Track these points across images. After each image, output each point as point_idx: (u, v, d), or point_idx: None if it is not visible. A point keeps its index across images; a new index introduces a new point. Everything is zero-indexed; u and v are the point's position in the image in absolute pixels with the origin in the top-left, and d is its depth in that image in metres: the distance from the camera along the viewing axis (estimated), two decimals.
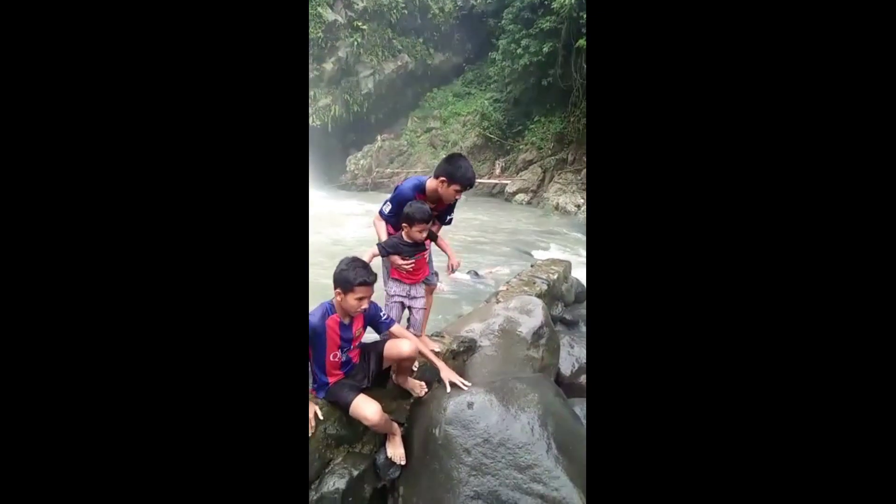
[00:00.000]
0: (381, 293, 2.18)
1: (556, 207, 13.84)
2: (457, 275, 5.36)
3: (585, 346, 3.09)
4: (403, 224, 2.27)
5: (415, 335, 2.38)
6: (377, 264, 2.27)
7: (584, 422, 2.15)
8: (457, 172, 2.27)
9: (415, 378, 2.24)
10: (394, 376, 2.18)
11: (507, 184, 16.17)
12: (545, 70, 15.26)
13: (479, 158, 17.26)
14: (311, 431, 1.81)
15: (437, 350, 2.38)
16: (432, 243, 2.46)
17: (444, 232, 2.58)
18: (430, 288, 2.59)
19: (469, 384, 2.08)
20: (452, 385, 2.06)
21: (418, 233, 2.25)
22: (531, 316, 2.79)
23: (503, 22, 16.52)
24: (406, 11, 19.09)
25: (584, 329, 3.72)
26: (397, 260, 2.31)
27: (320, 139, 18.51)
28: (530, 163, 16.39)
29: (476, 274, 6.02)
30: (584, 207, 12.89)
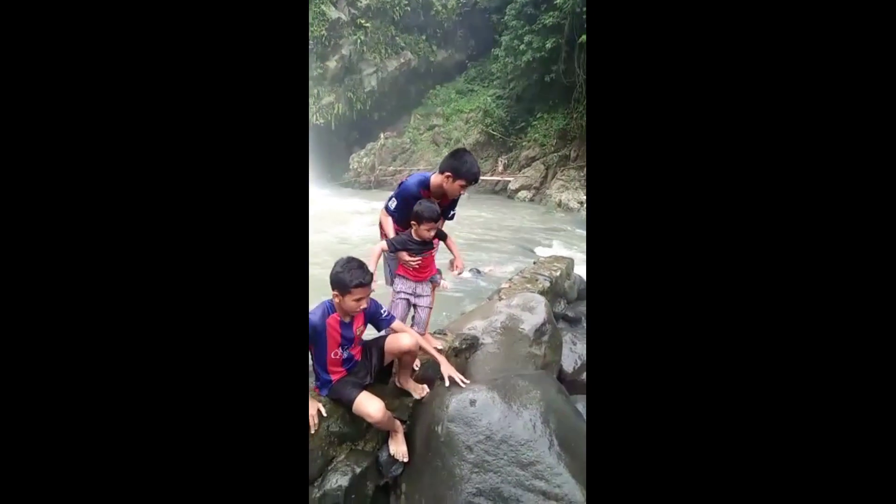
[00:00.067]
0: (381, 292, 2.17)
1: (559, 204, 13.79)
2: (455, 274, 5.37)
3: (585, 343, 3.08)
4: (412, 222, 2.27)
5: (419, 333, 2.39)
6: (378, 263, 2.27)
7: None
8: (462, 168, 2.27)
9: (418, 376, 2.25)
10: (395, 377, 2.18)
11: (509, 181, 16.12)
12: (548, 66, 15.17)
13: (482, 155, 17.20)
14: (314, 429, 1.81)
15: (439, 347, 2.39)
16: (440, 242, 2.46)
17: (446, 228, 2.58)
18: (434, 285, 2.59)
19: (468, 382, 2.10)
20: (451, 380, 2.08)
21: (426, 231, 2.25)
22: (534, 313, 2.78)
23: (506, 18, 16.44)
24: (409, 8, 19.03)
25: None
26: (405, 256, 2.32)
27: (324, 137, 18.52)
28: (533, 159, 16.32)
29: (478, 272, 6.02)
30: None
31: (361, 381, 1.98)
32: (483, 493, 1.73)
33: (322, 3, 16.98)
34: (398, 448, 1.97)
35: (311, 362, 1.98)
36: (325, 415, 1.87)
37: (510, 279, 3.79)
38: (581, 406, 2.35)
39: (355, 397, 1.84)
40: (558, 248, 7.94)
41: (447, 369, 2.14)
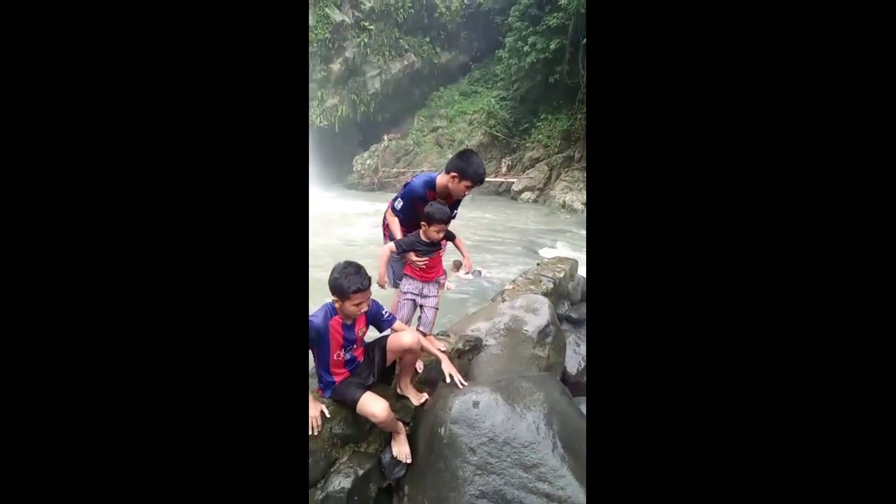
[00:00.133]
0: (381, 293, 2.17)
1: (563, 205, 13.77)
2: (461, 273, 5.35)
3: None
4: (422, 223, 2.27)
5: (424, 333, 2.39)
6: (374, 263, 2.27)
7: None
8: (468, 168, 2.27)
9: (421, 377, 2.25)
10: (396, 382, 2.17)
11: (513, 182, 16.11)
12: (552, 67, 15.16)
13: (486, 157, 17.20)
14: (317, 430, 1.81)
15: (442, 349, 2.38)
16: (447, 242, 2.46)
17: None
18: (438, 286, 2.59)
19: (466, 383, 2.12)
20: (451, 378, 2.11)
21: (436, 233, 2.25)
22: (537, 314, 2.77)
23: (510, 19, 16.45)
24: (413, 11, 19.08)
25: None
26: (412, 256, 2.32)
27: (327, 139, 18.59)
28: (537, 161, 16.31)
29: (478, 273, 6.03)
30: None
31: (364, 382, 1.98)
32: (486, 496, 1.72)
33: (326, 6, 17.06)
34: (401, 450, 1.97)
35: (313, 365, 1.98)
36: (328, 416, 1.87)
37: (514, 280, 3.78)
38: (585, 408, 2.33)
39: (359, 398, 1.84)
40: (562, 250, 7.92)
41: (448, 367, 2.16)
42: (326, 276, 1.82)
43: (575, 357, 3.09)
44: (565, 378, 2.91)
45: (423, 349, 2.09)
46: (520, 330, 2.69)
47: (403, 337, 1.98)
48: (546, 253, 7.59)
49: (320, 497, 1.76)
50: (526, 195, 15.48)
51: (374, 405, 1.81)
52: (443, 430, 1.89)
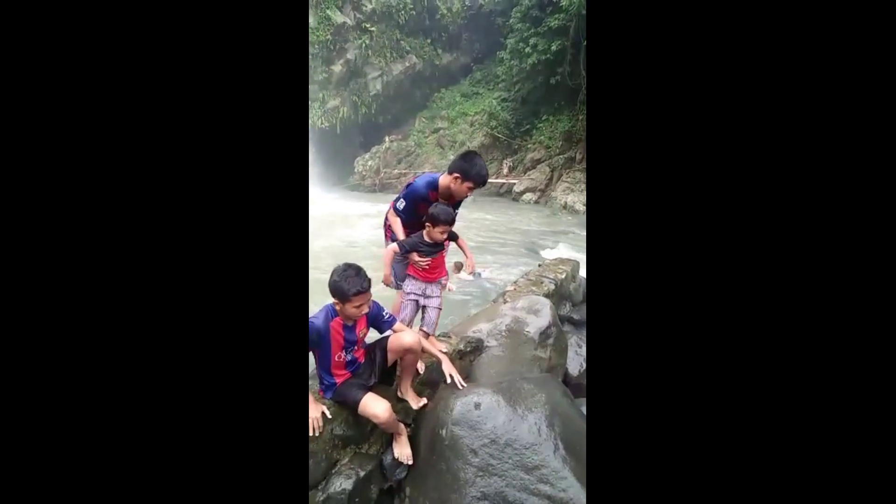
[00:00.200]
0: (383, 294, 2.17)
1: (565, 206, 13.76)
2: (462, 275, 5.34)
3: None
4: (427, 224, 2.27)
5: (427, 333, 2.39)
6: (376, 265, 2.27)
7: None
8: (472, 170, 2.28)
9: (422, 378, 2.25)
10: (397, 386, 2.18)
11: (514, 183, 16.11)
12: (553, 68, 15.18)
13: (487, 158, 17.21)
14: (318, 432, 1.81)
15: (444, 350, 2.38)
16: (450, 242, 2.46)
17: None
18: (441, 286, 2.59)
19: (465, 384, 2.13)
20: (451, 378, 2.12)
21: (440, 234, 2.26)
22: (539, 316, 2.77)
23: (511, 21, 16.48)
24: (414, 12, 19.12)
25: None
26: (415, 256, 2.33)
27: (329, 141, 18.63)
28: (538, 162, 16.31)
29: (479, 275, 6.03)
30: None
31: (366, 383, 1.98)
32: (488, 497, 1.71)
33: (328, 8, 17.11)
34: (402, 451, 1.96)
35: (314, 366, 1.98)
36: (329, 416, 1.87)
37: (515, 282, 3.78)
38: (586, 409, 2.33)
39: (361, 398, 1.83)
40: (564, 251, 7.91)
41: (448, 368, 2.17)
42: (328, 277, 1.82)
43: (576, 358, 3.09)
44: (567, 379, 2.91)
45: (423, 350, 2.09)
46: (521, 331, 2.69)
47: (404, 336, 1.98)
48: (547, 254, 7.58)
49: (321, 498, 1.76)
50: (527, 196, 15.49)
51: (376, 406, 1.81)
52: (444, 431, 1.89)
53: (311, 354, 1.91)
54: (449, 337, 2.65)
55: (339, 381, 1.93)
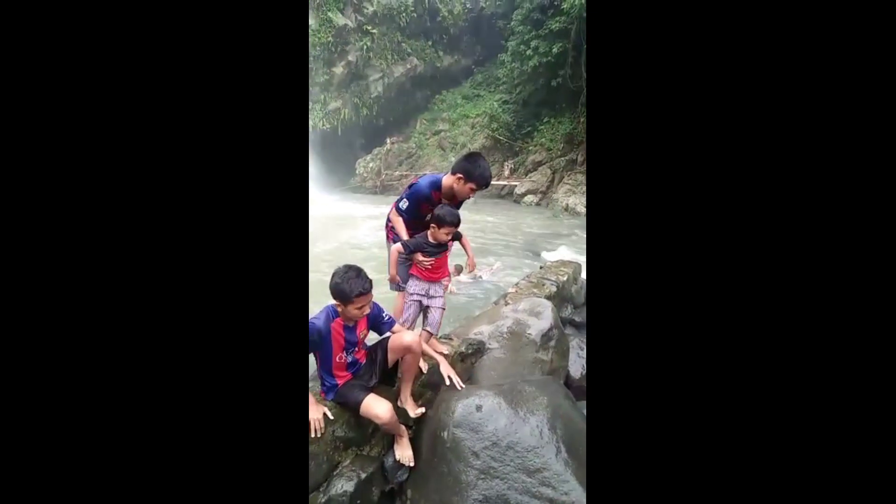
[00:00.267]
0: (381, 296, 2.17)
1: (566, 208, 13.74)
2: (462, 276, 5.33)
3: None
4: (432, 224, 2.29)
5: (431, 333, 2.39)
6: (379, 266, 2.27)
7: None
8: (475, 171, 2.29)
9: (423, 380, 2.24)
10: (397, 393, 2.17)
11: (515, 185, 16.10)
12: (555, 71, 15.17)
13: (489, 160, 17.04)
14: (319, 433, 1.81)
15: (445, 352, 2.38)
16: (454, 242, 2.47)
17: None
18: (443, 287, 2.59)
19: (464, 385, 2.15)
20: (449, 380, 2.15)
21: (445, 235, 2.26)
22: (540, 318, 2.76)
23: (513, 23, 16.47)
24: (415, 14, 19.14)
25: None
26: (419, 257, 2.33)
27: (330, 142, 18.63)
28: (539, 164, 16.30)
29: (479, 277, 6.02)
30: None
31: (367, 384, 1.97)
32: (489, 500, 1.71)
33: (329, 10, 17.14)
34: (404, 453, 1.96)
35: (314, 368, 1.97)
36: (331, 417, 1.87)
37: (516, 284, 3.77)
38: None
39: (362, 399, 1.83)
40: (565, 253, 7.90)
41: (446, 369, 2.19)
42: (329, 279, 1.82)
43: (578, 361, 3.08)
44: (569, 382, 2.90)
45: (425, 353, 2.09)
46: (523, 333, 2.68)
47: (404, 336, 1.99)
48: (549, 256, 7.57)
49: (323, 500, 1.75)
50: (529, 198, 15.47)
51: (378, 407, 1.81)
52: (446, 433, 1.88)
53: (312, 356, 1.91)
54: (450, 338, 2.65)
55: (340, 382, 1.93)
